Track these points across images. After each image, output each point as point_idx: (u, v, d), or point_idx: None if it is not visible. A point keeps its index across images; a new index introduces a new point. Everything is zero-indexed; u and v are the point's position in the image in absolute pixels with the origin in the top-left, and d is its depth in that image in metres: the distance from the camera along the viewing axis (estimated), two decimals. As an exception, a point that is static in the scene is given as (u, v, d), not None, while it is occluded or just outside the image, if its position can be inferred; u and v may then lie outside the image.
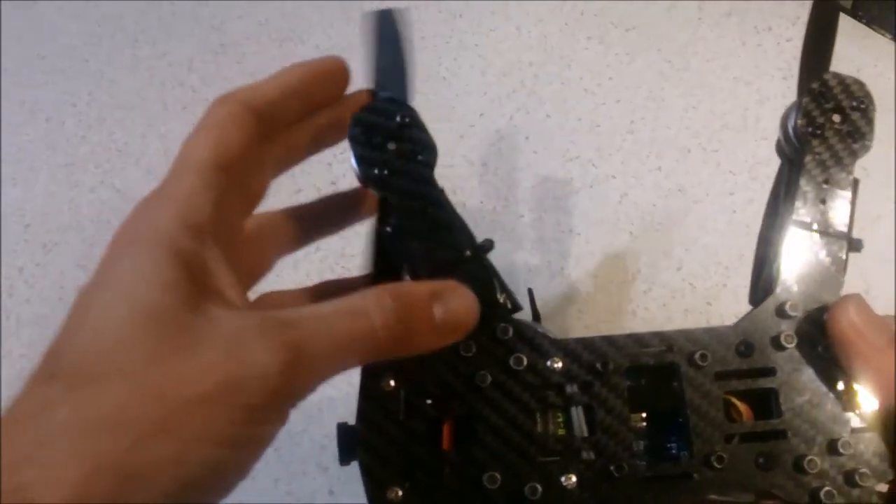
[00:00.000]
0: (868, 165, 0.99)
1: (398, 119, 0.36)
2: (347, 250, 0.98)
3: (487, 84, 1.11)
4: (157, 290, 0.24)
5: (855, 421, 0.34)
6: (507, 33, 1.16)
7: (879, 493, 0.33)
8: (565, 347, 0.35)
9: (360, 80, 0.39)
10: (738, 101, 1.07)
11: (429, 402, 0.34)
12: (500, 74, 1.12)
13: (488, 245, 0.36)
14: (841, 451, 0.33)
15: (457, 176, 1.02)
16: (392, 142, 0.36)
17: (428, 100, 1.08)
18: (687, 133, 1.06)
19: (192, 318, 0.24)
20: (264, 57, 1.16)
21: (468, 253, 0.36)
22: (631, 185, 1.02)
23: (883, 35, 1.12)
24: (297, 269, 0.97)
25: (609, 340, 0.35)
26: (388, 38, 0.38)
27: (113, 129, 1.12)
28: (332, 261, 0.98)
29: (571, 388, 0.34)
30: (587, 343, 0.35)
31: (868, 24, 1.13)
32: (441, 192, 0.36)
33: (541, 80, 1.11)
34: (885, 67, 1.09)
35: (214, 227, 0.27)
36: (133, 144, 1.10)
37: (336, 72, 0.36)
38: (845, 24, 1.13)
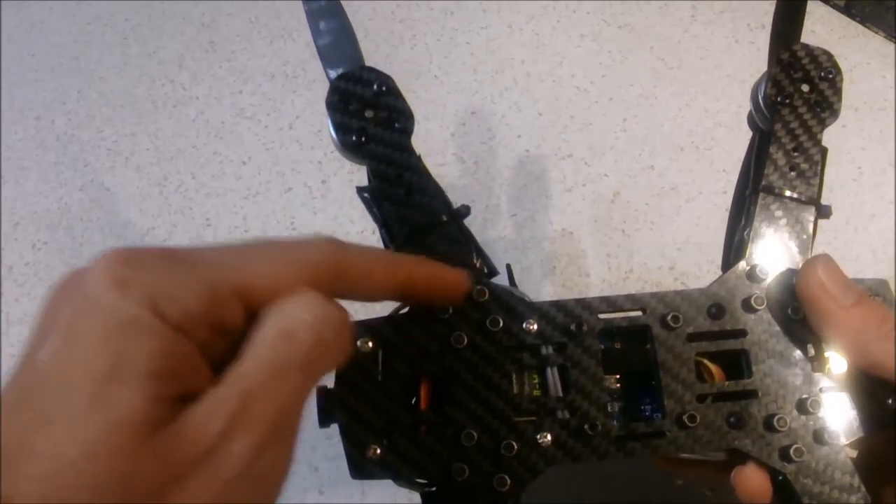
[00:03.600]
0: (862, 165, 0.99)
1: (375, 87, 0.37)
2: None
3: (479, 82, 1.11)
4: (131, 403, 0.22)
5: (824, 381, 0.35)
6: (499, 31, 1.15)
7: (848, 451, 0.34)
8: (540, 310, 0.35)
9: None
10: (731, 99, 1.07)
11: (405, 362, 0.34)
12: (491, 72, 1.12)
13: (464, 210, 0.37)
14: (810, 409, 0.34)
15: (448, 174, 1.02)
16: (369, 109, 0.37)
17: (419, 98, 1.08)
18: (680, 131, 1.05)
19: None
20: (255, 55, 1.16)
21: (444, 218, 0.36)
22: (624, 184, 1.02)
23: (876, 34, 1.12)
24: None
25: (583, 303, 0.36)
26: (324, 14, 0.38)
27: (102, 127, 1.12)
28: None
29: (546, 350, 0.35)
30: (561, 306, 0.35)
31: (861, 22, 1.12)
32: (418, 158, 0.37)
33: (533, 78, 1.11)
34: (878, 66, 1.09)
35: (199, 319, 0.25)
36: (123, 143, 1.10)
37: (455, 293, 0.33)
38: (839, 22, 1.13)
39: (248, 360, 0.24)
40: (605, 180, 1.02)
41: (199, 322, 0.24)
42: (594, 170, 1.03)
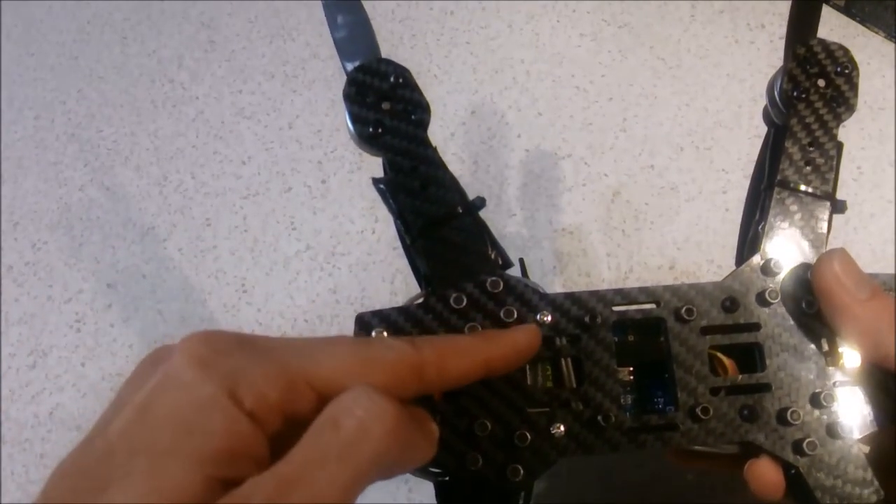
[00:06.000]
0: (862, 164, 0.99)
1: (391, 79, 0.37)
2: (339, 248, 0.98)
3: (479, 82, 1.11)
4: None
5: (838, 375, 0.35)
6: (499, 30, 1.15)
7: (861, 446, 0.34)
8: (554, 301, 0.35)
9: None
10: (731, 98, 1.07)
11: None
12: (491, 72, 1.12)
13: (479, 202, 0.38)
14: (823, 403, 0.34)
15: (449, 174, 1.01)
16: (385, 101, 0.37)
17: (420, 97, 1.08)
18: (680, 131, 1.05)
19: None
20: (254, 54, 1.16)
21: (459, 209, 0.37)
22: (623, 183, 1.02)
23: (877, 33, 1.12)
24: (287, 268, 0.96)
25: (597, 295, 0.36)
26: (341, 8, 0.39)
27: (102, 126, 1.12)
28: (323, 259, 0.97)
29: (560, 341, 0.35)
30: (576, 298, 0.36)
31: (861, 22, 1.12)
32: (434, 150, 0.37)
33: (532, 77, 1.11)
34: (878, 66, 1.09)
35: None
36: (122, 142, 1.10)
37: (529, 354, 0.33)
38: (839, 22, 1.13)
39: (295, 448, 0.24)
40: (605, 180, 1.02)
41: (273, 410, 0.24)
42: (594, 169, 1.03)
